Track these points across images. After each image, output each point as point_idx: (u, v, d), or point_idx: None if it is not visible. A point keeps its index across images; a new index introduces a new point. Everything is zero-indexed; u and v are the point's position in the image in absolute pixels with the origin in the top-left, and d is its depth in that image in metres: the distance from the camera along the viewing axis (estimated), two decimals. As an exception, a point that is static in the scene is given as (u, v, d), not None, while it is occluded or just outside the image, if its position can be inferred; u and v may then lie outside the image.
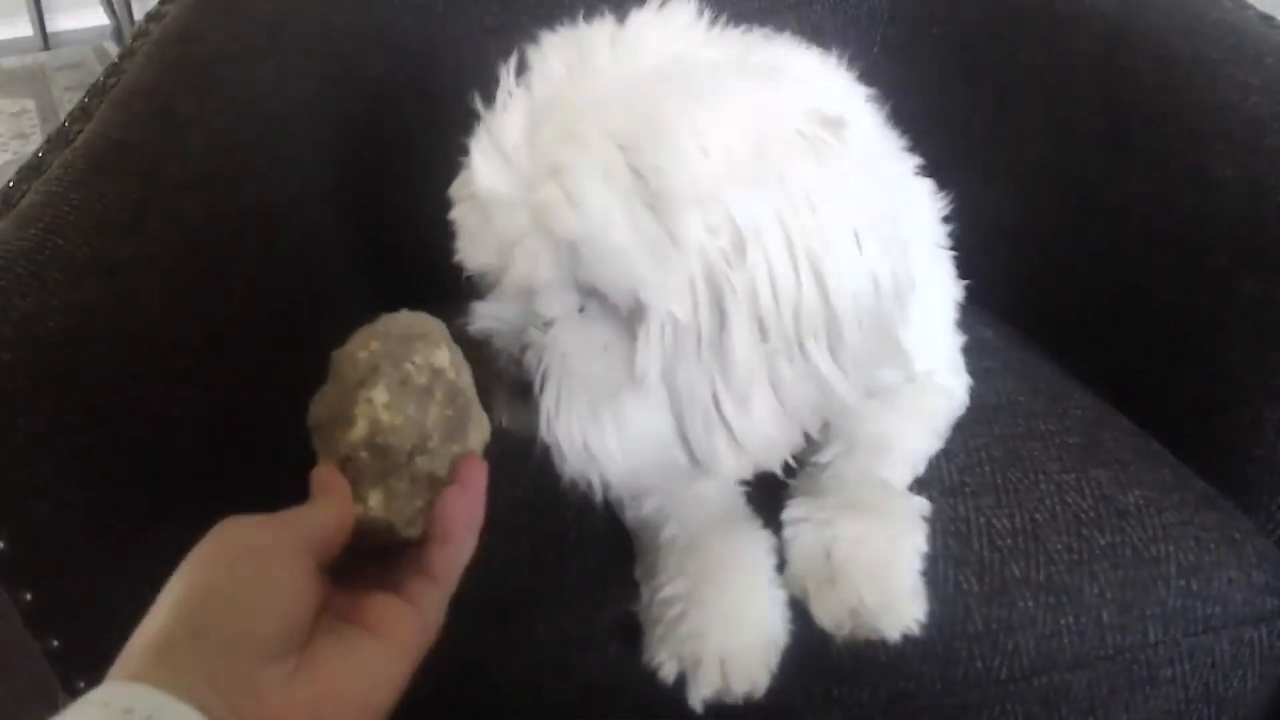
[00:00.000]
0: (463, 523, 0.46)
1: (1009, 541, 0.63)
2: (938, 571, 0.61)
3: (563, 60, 0.54)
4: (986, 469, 0.68)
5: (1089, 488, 0.67)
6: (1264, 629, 0.64)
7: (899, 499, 0.62)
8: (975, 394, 0.72)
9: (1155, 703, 0.63)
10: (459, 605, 0.46)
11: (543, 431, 0.52)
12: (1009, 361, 0.80)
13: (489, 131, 0.53)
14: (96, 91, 0.76)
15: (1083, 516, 0.65)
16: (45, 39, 3.12)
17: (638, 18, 0.55)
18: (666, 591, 0.58)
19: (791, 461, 0.57)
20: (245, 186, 0.73)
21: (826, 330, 0.51)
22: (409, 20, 1.00)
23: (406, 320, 0.48)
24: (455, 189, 0.56)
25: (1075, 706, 0.62)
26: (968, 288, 0.88)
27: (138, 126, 0.70)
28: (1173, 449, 0.73)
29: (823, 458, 0.64)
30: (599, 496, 0.53)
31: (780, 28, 0.60)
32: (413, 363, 0.46)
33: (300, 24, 0.92)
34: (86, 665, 0.57)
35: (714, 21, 0.57)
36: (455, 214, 0.55)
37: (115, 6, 2.90)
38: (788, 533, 0.60)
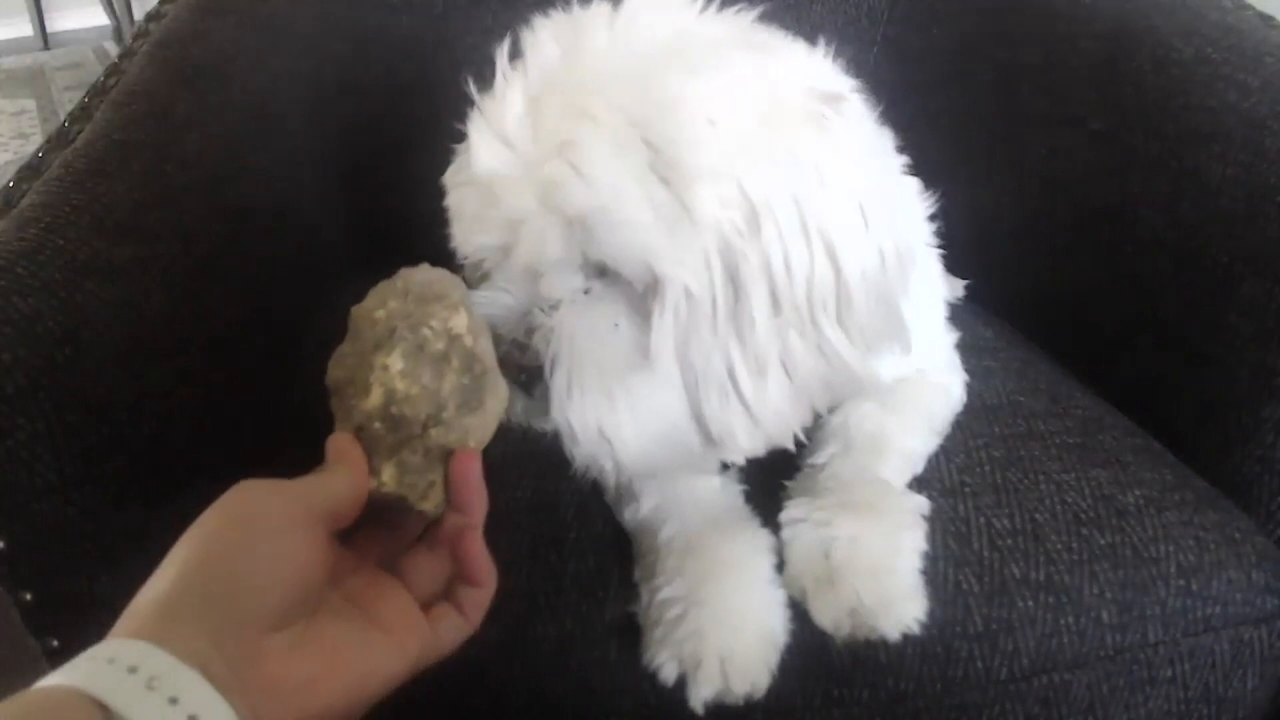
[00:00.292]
0: (490, 567, 0.47)
1: (1009, 541, 0.63)
2: (938, 571, 0.61)
3: (558, 42, 0.54)
4: (986, 469, 0.68)
5: (1089, 488, 0.67)
6: (1264, 629, 0.64)
7: (897, 498, 0.62)
8: (975, 393, 0.72)
9: (1155, 703, 0.63)
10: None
11: (554, 415, 0.51)
12: (1009, 361, 0.80)
13: (485, 115, 0.53)
14: (96, 91, 0.76)
15: (1083, 516, 0.65)
16: (45, 39, 3.13)
17: (633, 1, 0.55)
18: (666, 592, 0.57)
19: (802, 436, 0.56)
20: (245, 186, 0.73)
21: (837, 302, 0.51)
22: (409, 20, 1.00)
23: (425, 278, 0.48)
24: (450, 175, 0.56)
25: (1075, 706, 0.62)
26: (968, 287, 0.88)
27: (138, 126, 0.70)
28: (1173, 449, 0.73)
29: (820, 458, 0.64)
30: (611, 481, 0.53)
31: (781, 28, 0.60)
32: (430, 328, 0.45)
33: (300, 24, 0.92)
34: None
35: (707, 6, 0.57)
36: (451, 199, 0.55)
37: (115, 6, 2.91)
38: (786, 533, 0.60)
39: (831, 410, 0.64)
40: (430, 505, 0.46)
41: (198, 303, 0.63)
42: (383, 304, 0.46)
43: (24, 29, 3.15)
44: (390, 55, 0.99)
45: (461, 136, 0.54)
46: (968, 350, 0.74)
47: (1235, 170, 0.72)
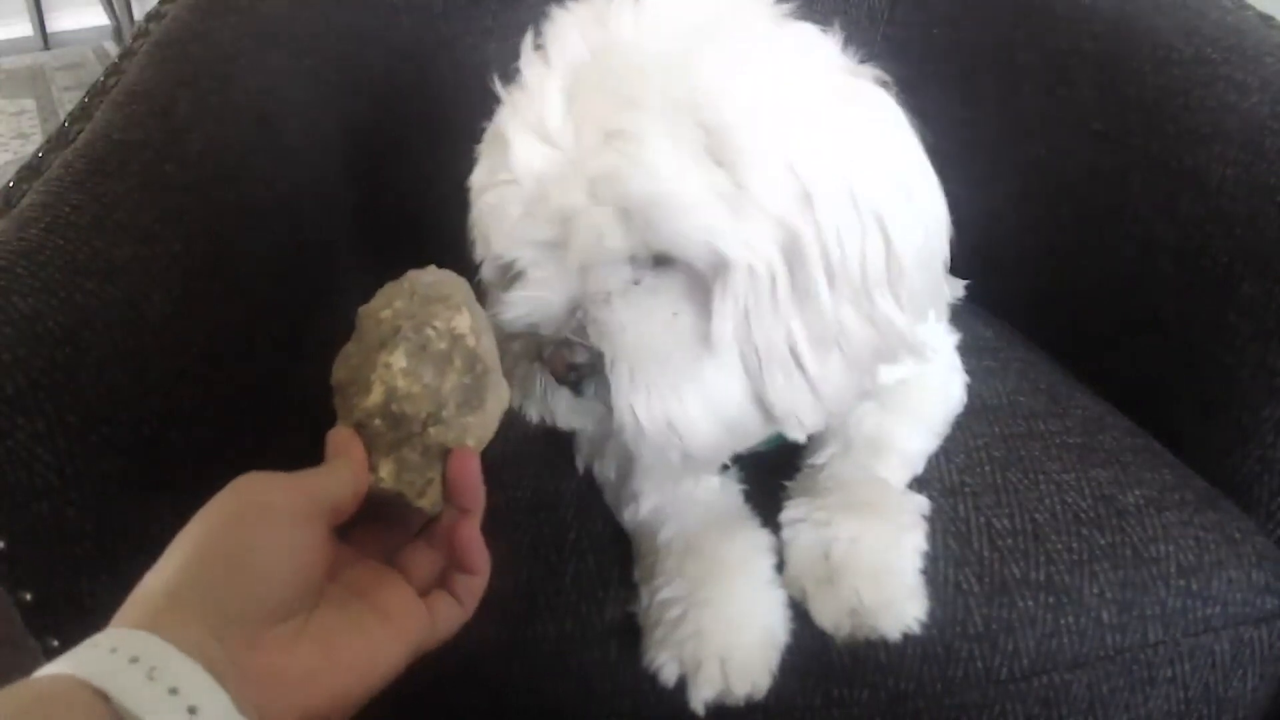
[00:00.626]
0: (484, 555, 0.47)
1: (1009, 541, 0.63)
2: (938, 571, 0.61)
3: (583, 34, 0.53)
4: (986, 469, 0.68)
5: (1089, 488, 0.67)
6: (1264, 629, 0.64)
7: (897, 498, 0.62)
8: (975, 393, 0.72)
9: (1155, 703, 0.63)
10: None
11: (617, 410, 0.50)
12: (1009, 361, 0.80)
13: (519, 111, 0.52)
14: (96, 91, 0.76)
15: (1083, 516, 0.65)
16: (45, 39, 3.13)
17: None
18: (666, 593, 0.58)
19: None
20: (245, 186, 0.73)
21: (888, 272, 0.52)
22: (409, 20, 1.00)
23: (431, 279, 0.48)
24: (482, 177, 0.54)
25: (1075, 706, 0.62)
26: (968, 287, 0.88)
27: (138, 126, 0.70)
28: (1173, 449, 0.73)
29: (820, 458, 0.64)
30: (683, 471, 0.52)
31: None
32: (433, 327, 0.46)
33: (300, 24, 0.92)
34: (86, 665, 0.56)
35: None
36: (488, 201, 0.53)
37: (115, 6, 2.91)
38: (786, 533, 0.60)
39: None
40: (428, 503, 0.46)
41: (198, 302, 0.63)
42: (389, 304, 0.46)
43: (24, 29, 3.15)
44: (390, 56, 0.99)
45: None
46: (968, 350, 0.74)
47: (1235, 170, 0.72)
